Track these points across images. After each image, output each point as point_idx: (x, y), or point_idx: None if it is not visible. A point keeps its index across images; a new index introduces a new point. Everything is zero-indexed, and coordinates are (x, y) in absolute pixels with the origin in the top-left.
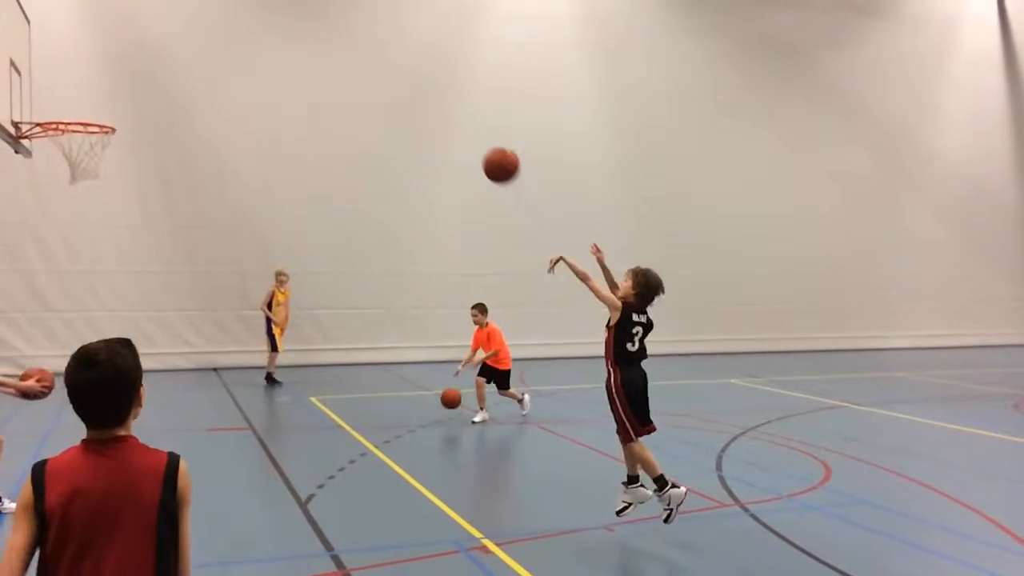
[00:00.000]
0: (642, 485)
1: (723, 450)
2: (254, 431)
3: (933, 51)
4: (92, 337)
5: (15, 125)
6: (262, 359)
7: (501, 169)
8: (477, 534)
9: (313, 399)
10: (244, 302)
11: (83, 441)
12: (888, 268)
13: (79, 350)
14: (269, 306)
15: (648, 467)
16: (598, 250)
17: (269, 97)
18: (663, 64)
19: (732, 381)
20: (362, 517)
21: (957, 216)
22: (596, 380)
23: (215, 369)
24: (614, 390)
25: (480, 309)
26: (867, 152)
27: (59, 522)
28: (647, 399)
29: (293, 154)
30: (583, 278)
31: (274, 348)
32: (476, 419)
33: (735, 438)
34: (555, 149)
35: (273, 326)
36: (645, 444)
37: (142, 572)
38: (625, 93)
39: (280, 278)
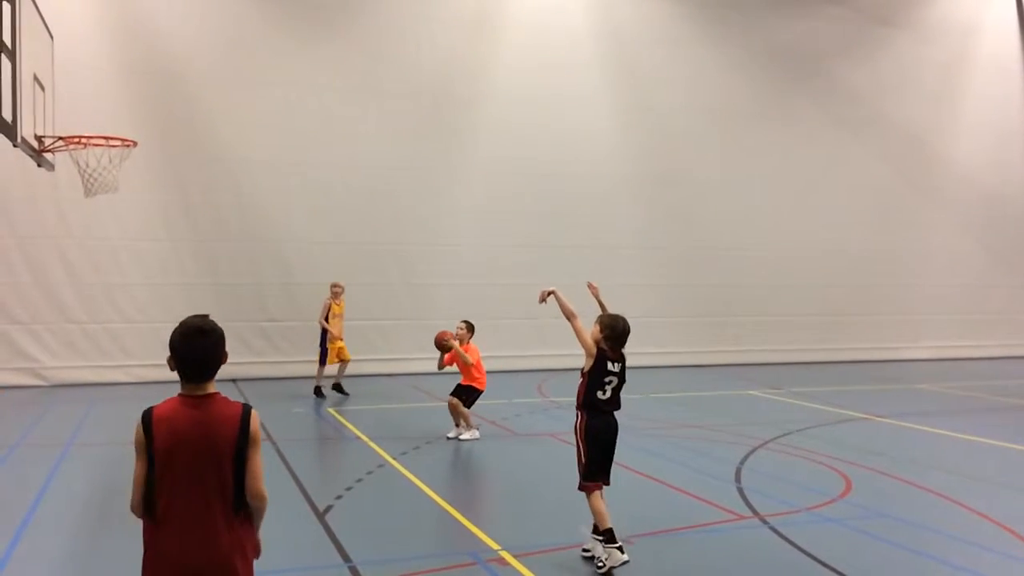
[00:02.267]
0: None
1: (742, 462)
2: (272, 442)
3: (952, 61)
4: (113, 349)
5: (38, 139)
6: (279, 370)
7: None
8: (495, 546)
9: (331, 410)
10: (263, 314)
11: (179, 395)
12: (908, 278)
13: (188, 324)
14: (327, 319)
15: (598, 518)
16: (593, 287)
17: (288, 110)
18: (680, 74)
19: (752, 392)
20: (379, 528)
21: (978, 226)
22: None
23: (234, 380)
24: (579, 434)
25: (469, 327)
26: (887, 162)
27: (162, 459)
28: (611, 452)
29: (311, 167)
30: (569, 316)
31: (323, 362)
32: (463, 436)
33: (754, 450)
34: (571, 158)
35: (329, 340)
36: (602, 497)
37: (225, 495)
38: (642, 103)
39: (335, 290)
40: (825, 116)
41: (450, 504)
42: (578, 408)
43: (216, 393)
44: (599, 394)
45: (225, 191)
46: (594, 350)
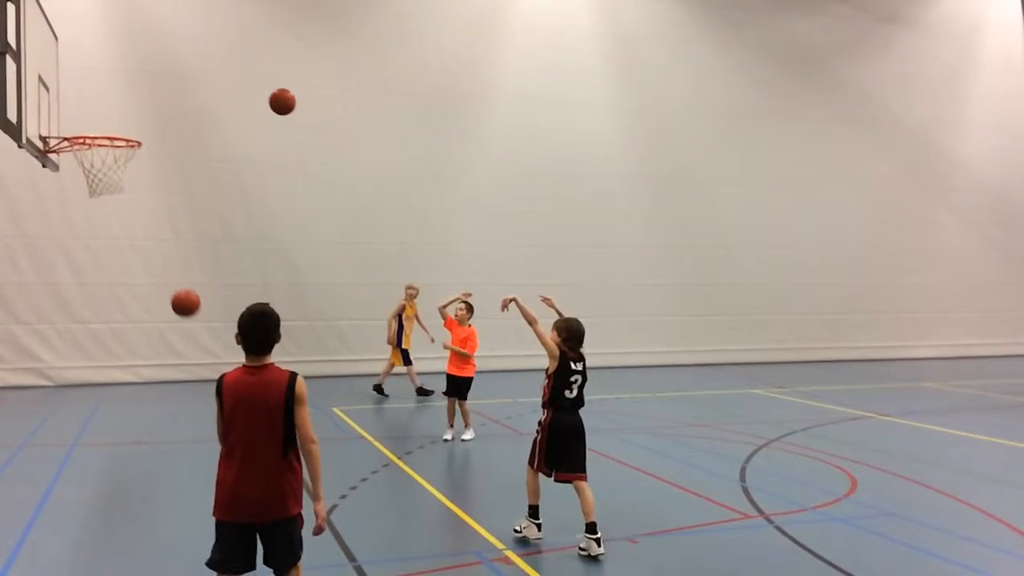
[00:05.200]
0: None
1: (747, 461)
2: None
3: (957, 58)
4: (120, 349)
5: (43, 140)
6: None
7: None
8: (500, 545)
9: (336, 410)
10: None
11: (243, 365)
12: (914, 277)
13: (253, 310)
14: (400, 319)
15: (529, 493)
16: (548, 299)
17: (293, 111)
18: (685, 74)
19: (756, 392)
20: (384, 528)
21: (984, 224)
22: (618, 391)
23: None
24: (541, 424)
25: (468, 308)
26: (892, 160)
27: (229, 413)
28: (575, 448)
29: (316, 167)
30: (530, 321)
31: (408, 361)
32: (464, 436)
33: (759, 449)
34: (577, 158)
35: (404, 339)
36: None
37: (275, 444)
38: (647, 103)
39: (410, 292)
40: (831, 114)
41: (455, 503)
42: (544, 406)
43: (271, 364)
44: (567, 393)
45: (230, 191)
46: (557, 352)
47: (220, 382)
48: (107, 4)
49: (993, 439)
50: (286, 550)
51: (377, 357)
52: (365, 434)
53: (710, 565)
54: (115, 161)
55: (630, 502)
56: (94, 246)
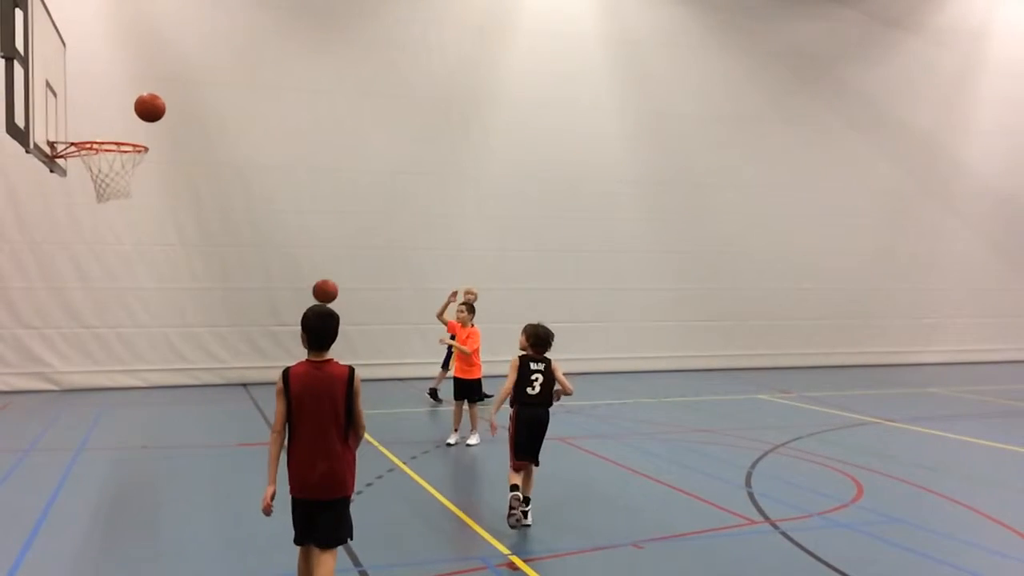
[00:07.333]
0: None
1: (753, 467)
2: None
3: (963, 64)
4: (125, 353)
5: (50, 145)
6: None
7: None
8: (504, 550)
9: None
10: (273, 318)
11: (307, 360)
12: (920, 282)
13: (318, 310)
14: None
15: (511, 480)
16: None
17: (298, 115)
18: (690, 78)
19: (761, 397)
20: (389, 533)
21: (990, 229)
22: (623, 396)
23: (244, 385)
24: (512, 422)
25: (470, 309)
26: (898, 166)
27: (296, 402)
28: (537, 439)
29: (322, 171)
30: (499, 403)
31: (445, 366)
32: (470, 441)
33: (765, 454)
34: (582, 163)
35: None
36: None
37: (338, 429)
38: (652, 108)
39: (468, 295)
40: (837, 120)
41: (460, 509)
42: (511, 404)
43: (331, 359)
44: (529, 390)
45: (236, 196)
46: (514, 368)
47: (286, 374)
48: (114, 10)
49: (999, 445)
50: (337, 528)
51: (381, 361)
52: (370, 439)
53: (715, 571)
54: (122, 166)
55: (636, 507)
56: (100, 251)
